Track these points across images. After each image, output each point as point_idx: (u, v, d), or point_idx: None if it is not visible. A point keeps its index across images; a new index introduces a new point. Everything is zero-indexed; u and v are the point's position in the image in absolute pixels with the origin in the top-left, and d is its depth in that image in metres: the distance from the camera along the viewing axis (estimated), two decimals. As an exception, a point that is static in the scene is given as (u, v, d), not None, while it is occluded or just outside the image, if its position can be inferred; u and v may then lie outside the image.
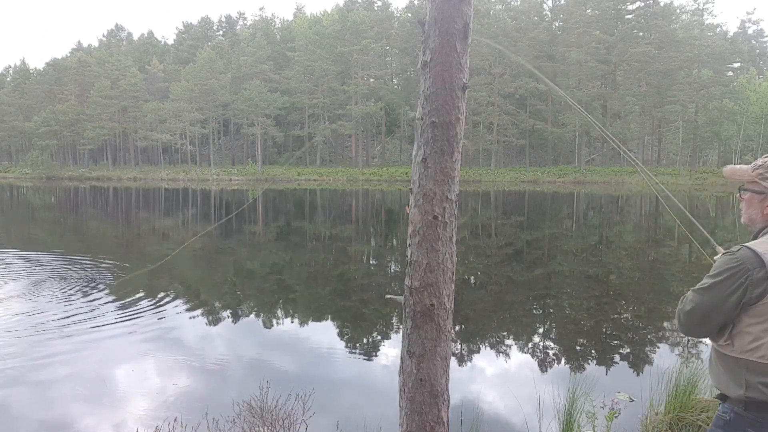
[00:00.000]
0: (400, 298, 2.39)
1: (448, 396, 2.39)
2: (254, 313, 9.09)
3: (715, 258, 2.09)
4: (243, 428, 3.66)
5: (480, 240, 18.41)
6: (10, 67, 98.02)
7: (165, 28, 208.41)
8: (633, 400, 4.92)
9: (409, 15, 77.05)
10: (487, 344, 7.43)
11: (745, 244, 1.97)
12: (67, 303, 8.86)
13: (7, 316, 8.15)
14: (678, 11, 72.36)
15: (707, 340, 2.15)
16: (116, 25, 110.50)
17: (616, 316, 8.88)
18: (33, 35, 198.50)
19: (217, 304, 9.30)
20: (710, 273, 2.01)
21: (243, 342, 7.35)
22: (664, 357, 6.53)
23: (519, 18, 70.50)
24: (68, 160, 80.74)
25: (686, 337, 7.58)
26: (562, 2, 75.54)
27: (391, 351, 6.85)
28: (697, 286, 2.03)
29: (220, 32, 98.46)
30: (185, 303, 9.13)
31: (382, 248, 17.50)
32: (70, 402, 5.41)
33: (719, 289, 1.95)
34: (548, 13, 78.10)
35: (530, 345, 7.31)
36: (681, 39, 64.68)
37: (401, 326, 2.40)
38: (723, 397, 2.06)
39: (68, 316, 8.08)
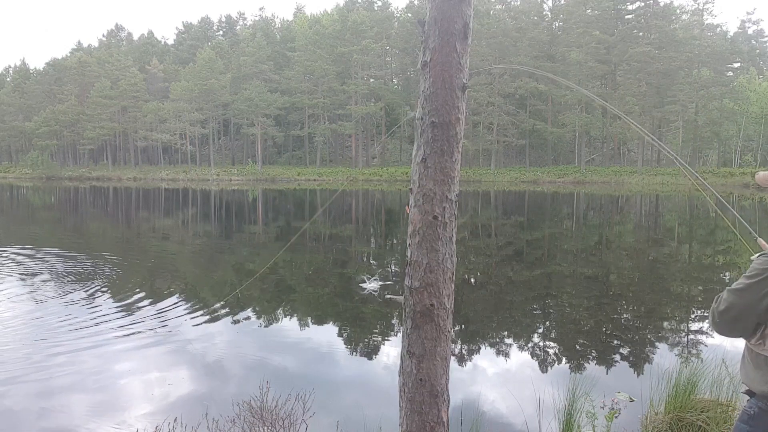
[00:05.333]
0: (400, 298, 2.39)
1: (448, 396, 2.39)
2: (254, 312, 9.09)
3: (752, 258, 2.10)
4: (243, 428, 3.66)
5: (480, 240, 18.41)
6: (10, 67, 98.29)
7: (165, 28, 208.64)
8: (633, 400, 4.92)
9: (409, 15, 77.07)
10: (487, 344, 7.43)
11: None
12: (66, 303, 8.86)
13: (7, 315, 8.16)
14: (678, 11, 72.36)
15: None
16: (116, 25, 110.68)
17: (616, 316, 8.88)
18: (33, 35, 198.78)
19: (217, 304, 9.30)
20: (746, 274, 2.02)
21: (243, 342, 7.34)
22: (664, 357, 6.52)
23: (519, 18, 70.48)
24: (68, 160, 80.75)
25: (687, 337, 7.58)
26: (562, 2, 75.51)
27: (391, 351, 6.85)
28: (733, 286, 2.05)
29: (220, 32, 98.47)
30: (185, 303, 9.13)
31: (382, 248, 17.50)
32: (71, 401, 5.41)
33: (754, 290, 1.97)
34: (548, 13, 78.09)
35: (530, 345, 7.31)
36: (681, 39, 64.68)
37: (401, 326, 2.40)
38: (750, 393, 2.11)
39: (68, 316, 8.09)
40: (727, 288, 2.08)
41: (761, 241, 2.25)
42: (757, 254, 2.08)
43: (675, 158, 2.67)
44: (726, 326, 2.09)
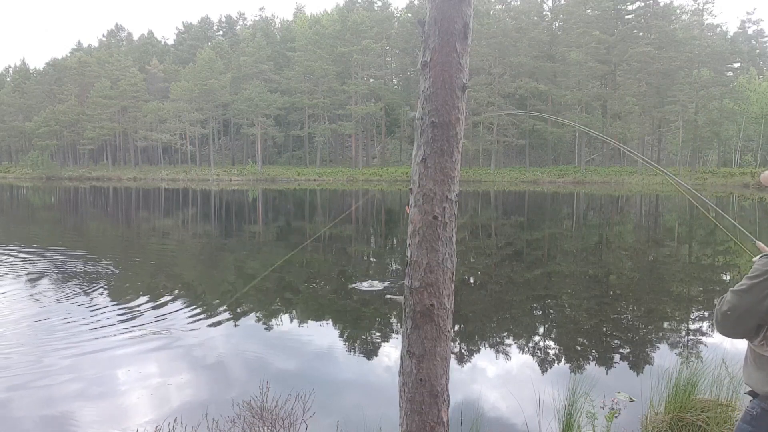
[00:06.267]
0: (400, 298, 2.39)
1: (448, 396, 2.39)
2: (254, 312, 9.09)
3: (754, 260, 2.10)
4: (243, 428, 3.66)
5: (480, 240, 18.41)
6: (10, 67, 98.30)
7: (165, 28, 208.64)
8: (633, 400, 4.92)
9: (409, 15, 77.08)
10: (487, 344, 7.43)
11: None
12: (66, 303, 8.86)
13: (13, 318, 8.16)
14: (678, 11, 72.38)
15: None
16: (116, 25, 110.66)
17: (616, 316, 8.88)
18: (33, 35, 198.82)
19: (218, 305, 9.30)
20: (749, 274, 2.03)
21: (243, 342, 7.34)
22: (664, 357, 6.52)
23: (519, 18, 70.51)
24: (68, 160, 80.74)
25: (687, 337, 7.58)
26: (562, 2, 75.53)
27: (391, 351, 6.84)
28: (736, 287, 2.06)
29: (220, 32, 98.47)
30: (185, 303, 9.13)
31: (382, 248, 17.50)
32: (71, 402, 5.41)
33: (756, 291, 1.98)
34: (548, 13, 78.11)
35: (530, 345, 7.31)
36: (681, 39, 64.69)
37: (401, 326, 2.40)
38: (753, 394, 2.11)
39: (68, 316, 8.09)
40: (730, 289, 2.08)
41: (760, 244, 2.25)
42: (759, 255, 2.08)
43: (650, 162, 2.67)
44: (729, 327, 2.10)
